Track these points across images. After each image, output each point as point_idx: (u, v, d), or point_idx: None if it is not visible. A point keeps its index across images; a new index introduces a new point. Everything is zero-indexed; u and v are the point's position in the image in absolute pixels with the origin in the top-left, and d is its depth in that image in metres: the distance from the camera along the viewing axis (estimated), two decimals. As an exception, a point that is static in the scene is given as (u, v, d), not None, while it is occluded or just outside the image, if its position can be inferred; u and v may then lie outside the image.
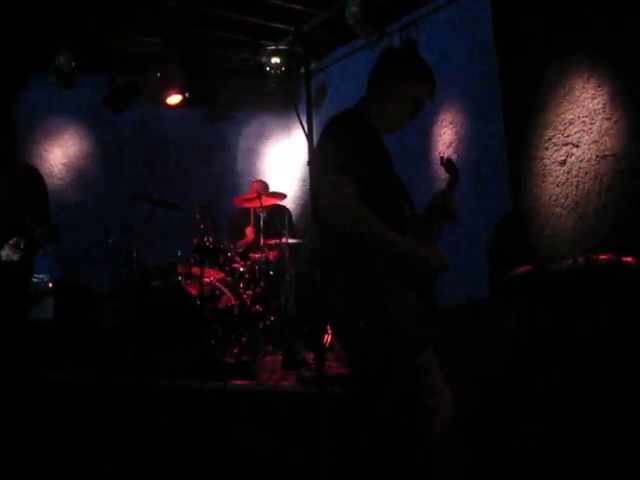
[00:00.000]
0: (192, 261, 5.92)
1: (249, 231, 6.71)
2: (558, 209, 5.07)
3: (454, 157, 6.11)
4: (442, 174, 6.10)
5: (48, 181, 7.59)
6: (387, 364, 2.45)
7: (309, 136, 2.40)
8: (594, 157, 4.82)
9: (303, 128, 2.40)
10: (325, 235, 2.51)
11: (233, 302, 5.90)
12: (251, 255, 6.19)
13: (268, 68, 7.10)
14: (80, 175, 7.81)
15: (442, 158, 2.92)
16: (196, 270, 5.78)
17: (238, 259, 6.18)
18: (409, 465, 2.46)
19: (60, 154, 7.76)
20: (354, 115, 2.68)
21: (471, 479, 2.59)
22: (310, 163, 2.40)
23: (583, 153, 4.91)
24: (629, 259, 3.28)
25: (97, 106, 7.47)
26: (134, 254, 6.16)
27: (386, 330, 2.40)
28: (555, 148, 5.14)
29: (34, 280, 5.95)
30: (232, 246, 6.36)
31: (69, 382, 4.99)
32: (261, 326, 5.88)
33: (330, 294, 2.52)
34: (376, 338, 2.43)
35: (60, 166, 7.75)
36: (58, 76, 6.97)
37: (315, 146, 2.51)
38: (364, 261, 2.42)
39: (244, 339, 5.89)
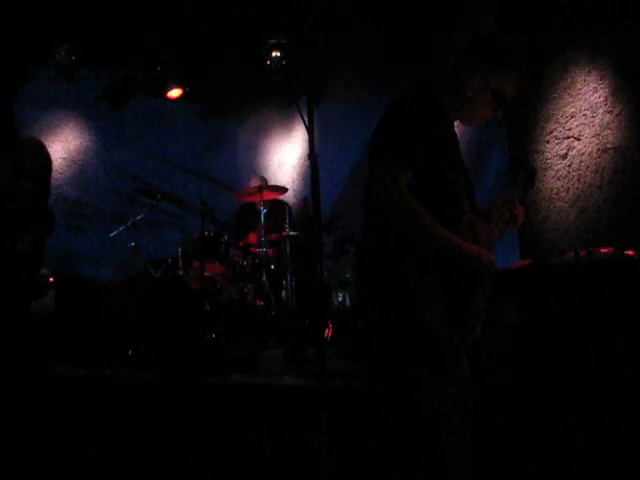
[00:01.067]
0: (193, 255, 5.91)
1: (252, 236, 6.67)
2: (559, 203, 5.06)
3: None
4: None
5: (48, 175, 7.65)
6: (412, 367, 2.33)
7: (310, 129, 2.39)
8: (595, 150, 4.81)
9: (304, 121, 2.40)
10: (372, 228, 2.42)
11: (234, 296, 5.89)
12: (252, 249, 6.19)
13: (268, 62, 7.08)
14: (80, 170, 7.81)
15: (522, 158, 2.71)
16: (197, 264, 5.78)
17: (239, 253, 6.17)
18: (416, 462, 2.40)
19: (60, 148, 7.76)
20: (424, 96, 2.45)
21: (474, 472, 2.58)
22: (311, 156, 2.38)
23: (584, 146, 4.90)
24: (630, 252, 3.28)
25: (97, 100, 7.45)
26: (135, 248, 6.16)
27: (419, 333, 2.28)
28: (556, 141, 5.13)
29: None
30: (234, 243, 6.36)
31: (70, 376, 4.99)
32: (262, 320, 5.88)
33: (367, 292, 2.42)
34: (408, 340, 2.31)
35: (60, 160, 7.74)
36: (58, 70, 6.96)
37: (375, 127, 2.38)
38: (406, 260, 2.29)
39: (245, 333, 5.89)
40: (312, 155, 2.36)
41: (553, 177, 5.13)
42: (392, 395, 2.38)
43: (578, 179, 4.94)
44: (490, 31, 2.66)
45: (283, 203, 6.88)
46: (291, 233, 6.21)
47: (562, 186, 5.05)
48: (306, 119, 2.37)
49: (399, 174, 2.24)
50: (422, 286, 2.27)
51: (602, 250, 3.41)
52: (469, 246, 2.32)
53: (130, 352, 5.60)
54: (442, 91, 2.50)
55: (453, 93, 2.50)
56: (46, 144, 7.59)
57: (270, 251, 6.17)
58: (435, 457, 2.34)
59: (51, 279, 6.03)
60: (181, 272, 5.92)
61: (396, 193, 2.23)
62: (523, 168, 2.67)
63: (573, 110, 4.99)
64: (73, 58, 6.83)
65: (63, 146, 7.77)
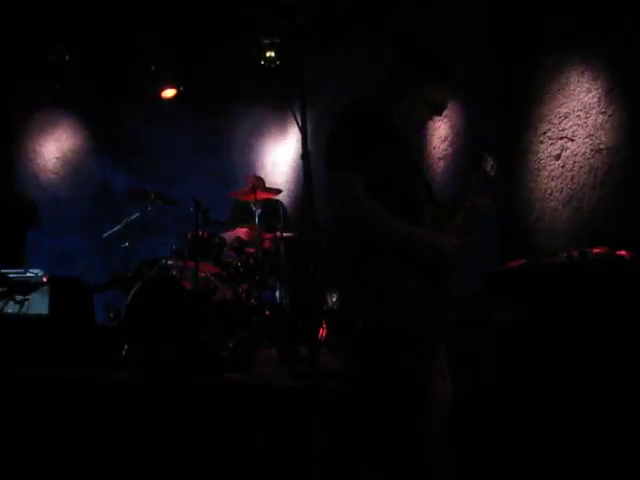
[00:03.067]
0: (187, 255, 5.91)
1: (244, 232, 6.66)
2: (553, 203, 5.08)
3: (449, 151, 6.11)
4: (437, 166, 6.15)
5: (42, 175, 7.65)
6: (391, 355, 2.42)
7: (303, 130, 2.40)
8: (589, 151, 4.82)
9: (297, 122, 2.40)
10: (337, 231, 2.52)
11: (228, 296, 5.89)
12: (246, 249, 6.18)
13: (262, 62, 7.09)
14: (74, 169, 7.80)
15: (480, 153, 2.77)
16: (191, 264, 5.77)
17: (233, 253, 6.17)
18: (402, 456, 2.45)
19: (54, 148, 7.74)
20: (364, 106, 2.59)
21: (462, 470, 2.59)
22: (304, 156, 2.39)
23: (578, 147, 4.91)
24: (623, 252, 3.29)
25: (91, 99, 7.44)
26: (128, 248, 6.15)
27: (391, 321, 2.37)
28: (550, 142, 5.14)
29: (29, 274, 5.95)
30: (224, 235, 6.35)
31: (64, 378, 4.98)
32: (256, 320, 5.88)
33: (341, 288, 2.52)
34: (381, 328, 2.40)
35: (54, 160, 7.73)
36: (52, 68, 6.95)
37: (326, 139, 2.49)
38: (374, 254, 2.40)
39: (239, 333, 5.88)
40: (305, 155, 2.37)
41: (547, 177, 5.14)
42: (380, 378, 2.46)
43: (572, 179, 4.96)
44: (417, 43, 2.75)
45: (277, 203, 6.87)
46: (285, 234, 6.21)
47: (556, 186, 5.06)
48: (299, 119, 2.38)
49: (354, 181, 2.37)
50: (394, 279, 2.37)
51: (595, 250, 3.43)
52: (434, 235, 2.44)
53: (123, 353, 5.60)
54: (384, 103, 2.61)
55: (393, 105, 2.60)
56: (40, 144, 7.65)
57: (264, 251, 6.17)
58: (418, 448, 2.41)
59: (44, 279, 6.02)
60: (175, 272, 5.91)
61: (354, 199, 2.36)
62: (482, 159, 2.74)
63: (567, 111, 5.00)
64: (67, 57, 6.82)
65: (57, 145, 7.75)
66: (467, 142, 5.97)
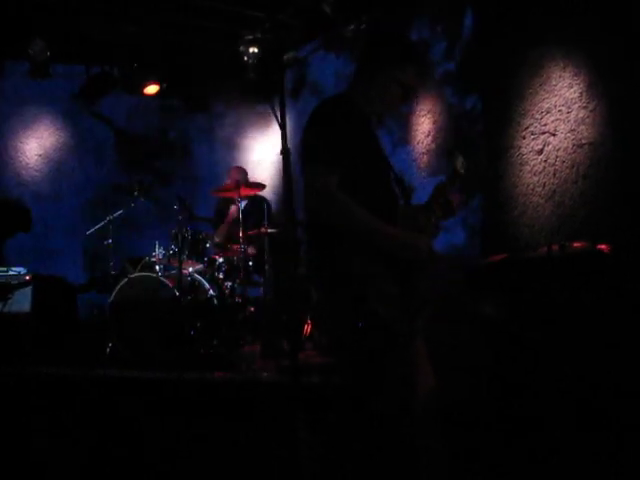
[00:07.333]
0: (170, 252, 5.89)
1: (233, 210, 6.60)
2: (535, 198, 5.10)
3: (432, 146, 6.13)
4: (421, 161, 6.17)
5: (23, 172, 7.60)
6: (371, 354, 2.43)
7: (282, 126, 2.39)
8: (571, 146, 4.84)
9: (276, 118, 2.40)
10: (314, 228, 2.54)
11: (212, 293, 5.88)
12: (230, 246, 6.17)
13: (246, 58, 7.06)
14: (57, 166, 7.76)
15: (449, 151, 2.85)
16: (174, 261, 5.76)
17: (217, 250, 6.16)
18: (389, 450, 2.46)
19: (36, 145, 7.69)
20: (339, 101, 2.63)
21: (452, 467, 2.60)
22: (283, 153, 2.38)
23: (560, 142, 4.93)
24: (603, 247, 3.31)
25: (73, 96, 7.40)
26: (112, 245, 6.13)
27: (368, 320, 2.38)
28: (532, 137, 5.16)
29: (11, 273, 5.92)
30: (215, 232, 6.36)
31: (46, 375, 4.96)
32: (240, 317, 5.88)
33: (316, 287, 2.53)
34: (358, 330, 2.41)
35: (36, 157, 7.68)
36: (33, 66, 6.89)
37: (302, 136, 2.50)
38: (348, 253, 2.42)
39: (223, 330, 5.88)
40: (284, 152, 2.37)
41: (529, 172, 5.16)
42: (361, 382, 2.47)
43: (554, 174, 4.98)
44: (383, 29, 2.86)
45: (262, 199, 6.86)
46: (269, 230, 6.20)
47: (538, 181, 5.09)
48: (279, 116, 2.38)
49: (329, 177, 2.39)
50: (365, 274, 2.39)
51: (575, 244, 3.45)
52: (405, 234, 2.46)
53: (108, 350, 5.58)
54: (353, 94, 2.66)
55: (366, 91, 2.64)
56: (22, 141, 7.60)
57: (249, 247, 6.16)
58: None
59: (28, 277, 5.99)
60: (158, 269, 5.90)
61: (329, 195, 2.38)
62: (449, 159, 2.80)
63: (548, 106, 5.02)
64: (48, 54, 6.76)
65: (39, 143, 7.70)
66: (450, 137, 5.98)
